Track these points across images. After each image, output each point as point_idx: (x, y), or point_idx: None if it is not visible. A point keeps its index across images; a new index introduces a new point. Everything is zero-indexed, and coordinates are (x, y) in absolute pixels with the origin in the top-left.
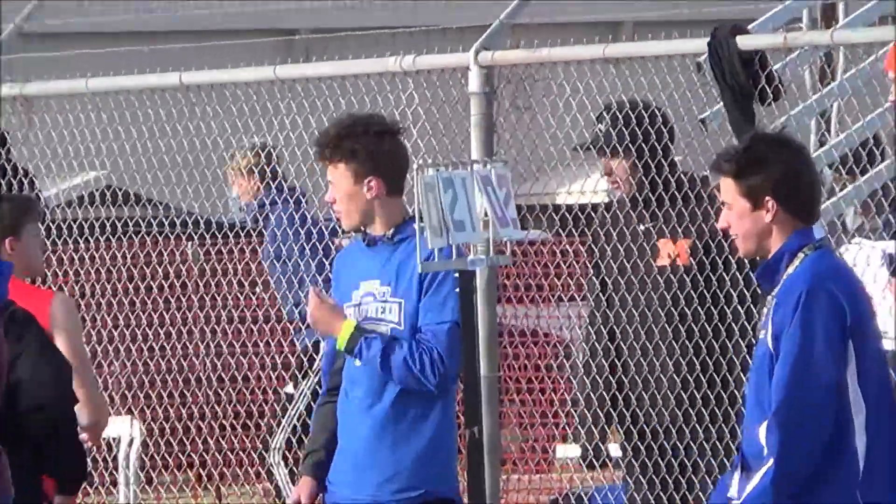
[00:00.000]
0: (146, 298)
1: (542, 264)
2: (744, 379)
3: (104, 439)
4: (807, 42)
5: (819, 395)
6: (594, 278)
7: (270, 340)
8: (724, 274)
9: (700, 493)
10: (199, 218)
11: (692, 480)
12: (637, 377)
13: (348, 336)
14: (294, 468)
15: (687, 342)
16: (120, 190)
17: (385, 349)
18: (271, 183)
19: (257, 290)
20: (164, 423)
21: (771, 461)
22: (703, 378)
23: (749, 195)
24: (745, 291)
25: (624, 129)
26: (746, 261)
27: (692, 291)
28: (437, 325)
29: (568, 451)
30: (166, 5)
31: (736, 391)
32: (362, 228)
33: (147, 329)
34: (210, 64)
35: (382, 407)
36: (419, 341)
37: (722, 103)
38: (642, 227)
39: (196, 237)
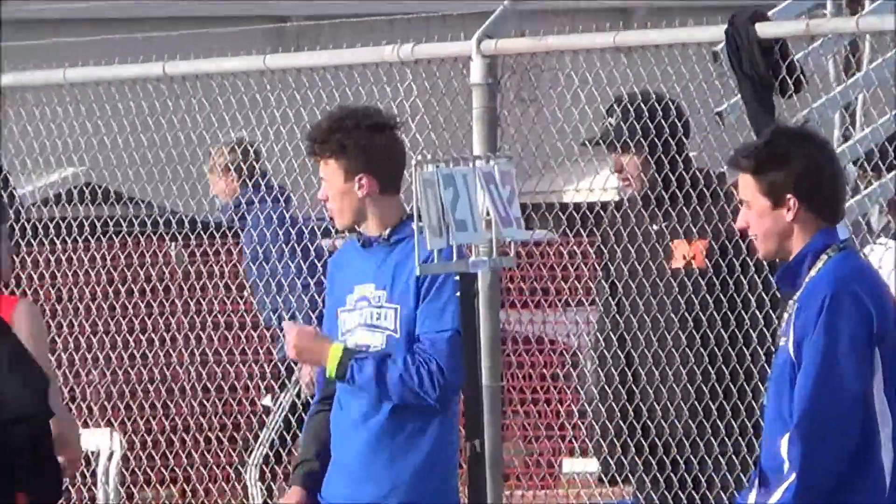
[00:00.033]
0: (127, 303)
1: (548, 266)
2: (762, 389)
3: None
4: (831, 30)
5: (844, 405)
6: (604, 281)
7: (259, 348)
8: (742, 277)
9: None
10: (183, 217)
11: (706, 497)
12: (648, 387)
13: (337, 362)
14: (272, 485)
15: (702, 350)
16: (99, 187)
17: (378, 369)
18: (248, 181)
19: (245, 293)
20: (145, 435)
21: (793, 476)
22: (718, 388)
23: (769, 193)
24: (764, 296)
25: (636, 122)
26: (766, 263)
27: (708, 295)
28: (436, 333)
29: (575, 465)
30: None
31: (754, 402)
32: (356, 228)
33: (128, 336)
34: (195, 53)
35: (379, 419)
36: (416, 352)
37: (740, 95)
38: (655, 228)
39: (180, 237)
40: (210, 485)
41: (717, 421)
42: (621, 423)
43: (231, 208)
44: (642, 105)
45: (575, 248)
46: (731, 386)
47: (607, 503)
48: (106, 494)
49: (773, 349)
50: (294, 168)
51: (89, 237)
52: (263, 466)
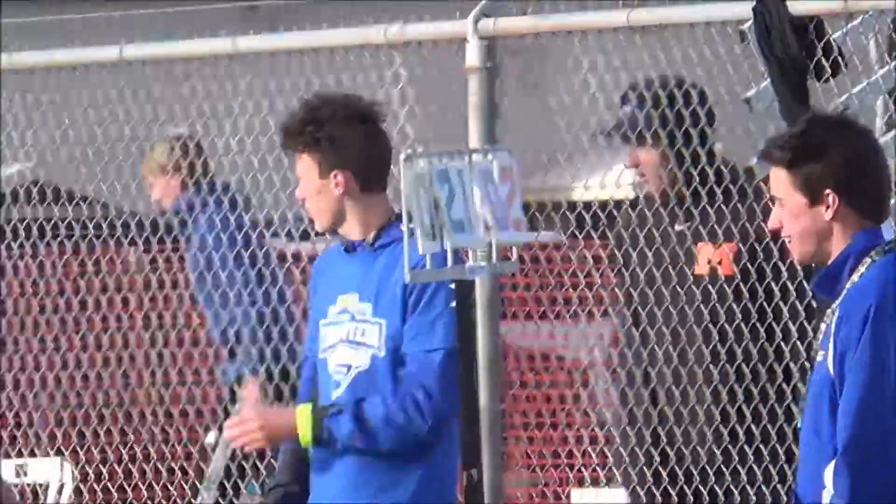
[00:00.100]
0: (80, 316)
1: (554, 273)
2: (795, 411)
3: (29, 485)
4: (871, 6)
5: None
6: (618, 290)
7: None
8: (773, 284)
9: None
10: (143, 219)
11: None
12: (668, 409)
13: (310, 427)
14: None
15: (728, 366)
16: (49, 186)
17: (358, 419)
18: (191, 180)
19: (214, 302)
20: (100, 465)
21: None
22: (746, 410)
23: (806, 188)
24: (799, 305)
25: (653, 111)
26: (800, 268)
27: (735, 305)
28: (424, 353)
29: (585, 496)
30: None
31: (786, 425)
32: (338, 231)
33: (81, 353)
34: (156, 35)
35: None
36: (400, 379)
37: (770, 80)
38: (676, 229)
39: (140, 242)
40: None
41: (745, 447)
42: (652, 449)
43: (182, 210)
44: (660, 91)
45: (585, 252)
46: (761, 407)
47: None
48: None
49: (809, 365)
50: (268, 164)
51: (37, 242)
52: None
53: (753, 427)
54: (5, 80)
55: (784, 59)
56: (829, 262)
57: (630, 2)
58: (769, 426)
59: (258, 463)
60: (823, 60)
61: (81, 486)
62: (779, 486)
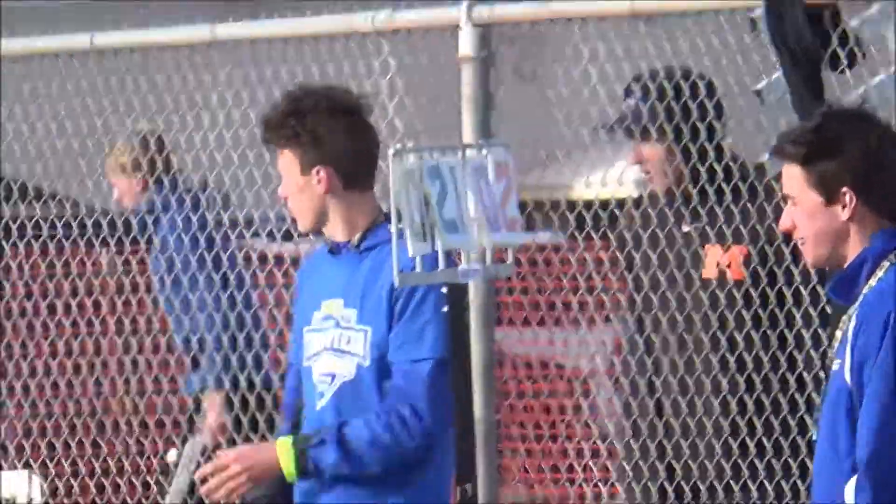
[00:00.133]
0: (49, 321)
1: (552, 276)
2: (808, 423)
3: None
4: None
5: None
6: (624, 294)
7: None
8: (785, 289)
9: None
10: (115, 218)
11: None
12: (674, 420)
13: (293, 460)
14: None
15: (737, 376)
16: (15, 182)
17: (342, 447)
18: (164, 177)
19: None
20: (71, 479)
21: None
22: (756, 422)
23: (821, 186)
24: (812, 311)
25: (658, 104)
26: (813, 272)
27: (744, 311)
28: (411, 364)
29: None
30: None
31: (799, 438)
32: (322, 231)
33: (50, 360)
34: (129, 22)
35: None
36: (386, 391)
37: (782, 71)
38: (684, 230)
39: (112, 242)
40: None
41: (756, 461)
42: (657, 463)
43: (142, 210)
44: (665, 83)
45: (586, 254)
46: (773, 419)
47: None
48: None
49: (824, 375)
50: (248, 159)
51: (2, 242)
52: None
53: (765, 440)
54: None
55: (797, 49)
56: (846, 266)
57: None
58: (781, 439)
59: None
60: (839, 50)
61: (51, 502)
62: None
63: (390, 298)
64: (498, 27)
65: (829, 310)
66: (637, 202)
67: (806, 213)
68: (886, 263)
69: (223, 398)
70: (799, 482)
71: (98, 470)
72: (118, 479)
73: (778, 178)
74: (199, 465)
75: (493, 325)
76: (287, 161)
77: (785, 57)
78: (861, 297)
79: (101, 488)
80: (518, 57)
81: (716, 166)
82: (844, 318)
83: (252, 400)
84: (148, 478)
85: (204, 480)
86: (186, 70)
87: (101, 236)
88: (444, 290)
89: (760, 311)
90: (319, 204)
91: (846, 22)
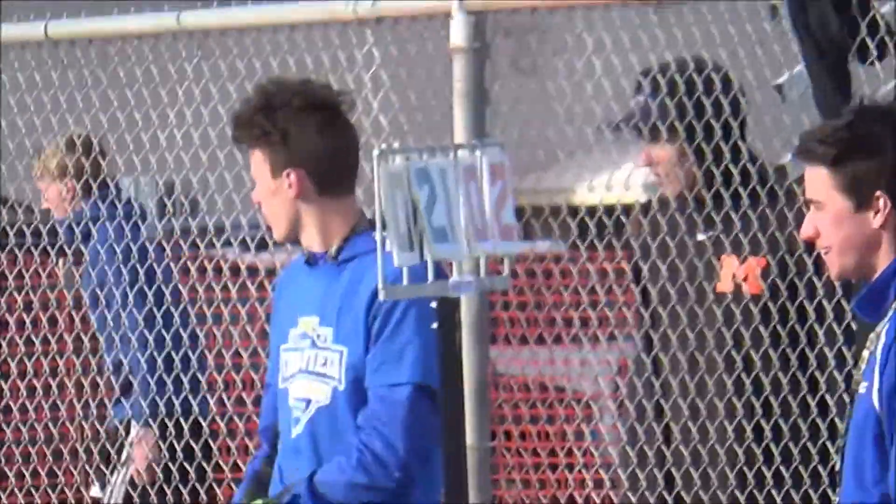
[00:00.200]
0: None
1: (552, 289)
2: (830, 450)
3: None
4: None
5: None
6: (630, 309)
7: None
8: (807, 303)
9: None
10: (73, 225)
11: None
12: (683, 448)
13: None
14: None
15: (753, 399)
16: None
17: (316, 496)
18: (92, 183)
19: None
20: None
21: None
22: (774, 449)
23: (852, 190)
24: (836, 328)
25: (668, 100)
26: (838, 285)
27: (762, 328)
28: (388, 388)
29: None
30: None
31: (821, 467)
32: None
33: (1, 383)
34: (89, 10)
35: None
36: (359, 427)
37: (805, 63)
38: (698, 238)
39: (70, 251)
40: None
41: (773, 492)
42: (665, 494)
43: (72, 221)
44: (677, 77)
45: (588, 264)
46: (792, 447)
47: None
48: None
49: (849, 398)
50: (219, 161)
51: None
52: None
53: (783, 469)
54: None
55: (821, 38)
56: (875, 279)
57: None
58: (801, 468)
59: None
60: (868, 40)
61: None
62: None
63: (367, 317)
64: (493, 15)
65: (854, 326)
66: (645, 208)
67: (832, 219)
68: None
69: (151, 435)
70: None
71: (55, 502)
72: None
73: (800, 181)
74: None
75: (488, 343)
76: (258, 162)
77: (808, 47)
78: (891, 313)
79: None
80: (515, 48)
81: (732, 168)
82: (872, 336)
83: (187, 424)
84: None
85: None
86: (150, 62)
87: (57, 245)
88: (434, 304)
89: (779, 327)
90: (292, 210)
91: (876, 8)
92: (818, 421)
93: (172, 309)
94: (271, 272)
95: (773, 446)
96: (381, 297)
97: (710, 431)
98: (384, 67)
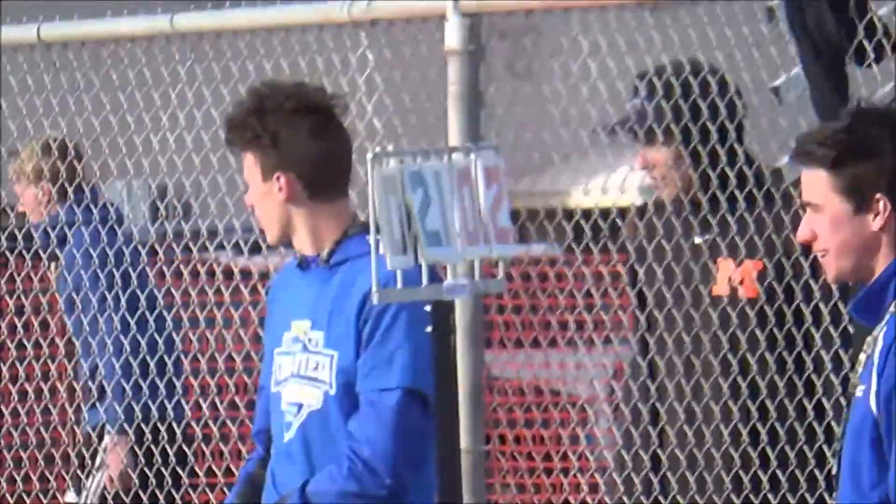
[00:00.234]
0: None
1: (547, 293)
2: (827, 454)
3: None
4: None
5: None
6: (626, 313)
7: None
8: (803, 306)
9: None
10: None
11: None
12: (679, 452)
13: None
14: None
15: (750, 403)
16: None
17: None
18: (67, 187)
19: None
20: None
21: None
22: (770, 453)
23: (851, 192)
24: (833, 331)
25: (664, 102)
26: (835, 288)
27: (758, 331)
28: (379, 392)
29: None
30: None
31: (817, 471)
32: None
33: None
34: (81, 13)
35: None
36: (350, 434)
37: (802, 65)
38: (695, 242)
39: (62, 256)
40: None
41: (770, 496)
42: (661, 499)
43: (63, 224)
44: (673, 79)
45: (584, 268)
46: (788, 451)
47: None
48: None
49: (846, 402)
50: (212, 164)
51: None
52: None
53: (779, 473)
54: None
55: (819, 40)
56: (872, 281)
57: None
58: (798, 472)
59: None
60: (866, 42)
61: None
62: None
63: (358, 321)
64: (488, 18)
65: (851, 330)
66: (641, 211)
67: (830, 222)
68: None
69: (126, 442)
70: None
71: None
72: None
73: (796, 184)
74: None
75: (482, 346)
76: (250, 165)
77: (806, 48)
78: (888, 316)
79: None
80: (510, 51)
81: (728, 171)
82: (869, 339)
83: (164, 432)
84: None
85: None
86: (143, 65)
87: (49, 249)
88: (428, 308)
89: (776, 330)
90: (283, 213)
91: (874, 10)
92: (815, 424)
93: (148, 314)
94: (265, 276)
95: (769, 450)
96: (374, 300)
97: (706, 435)
98: (378, 70)
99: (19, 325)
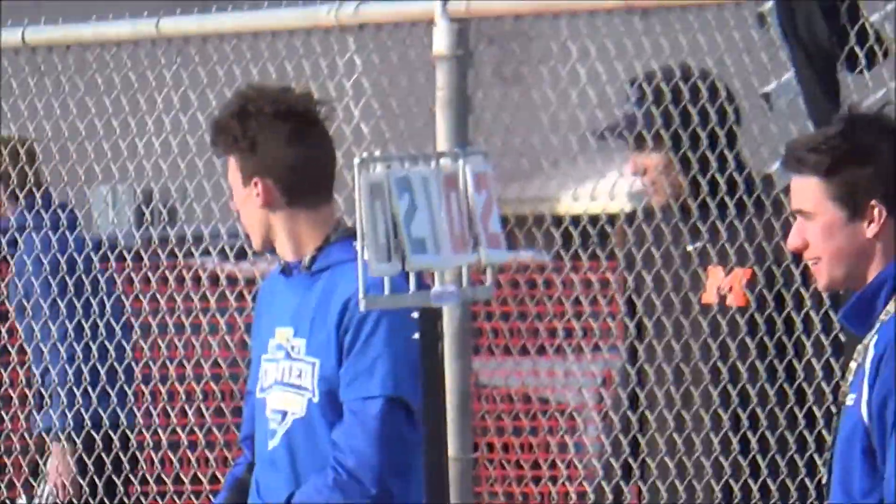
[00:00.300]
0: None
1: (536, 300)
2: (818, 462)
3: None
4: None
5: None
6: (615, 320)
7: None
8: (794, 314)
9: None
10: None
11: None
12: (668, 460)
13: None
14: None
15: (740, 411)
16: None
17: None
18: (18, 192)
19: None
20: None
21: None
22: (761, 462)
23: (846, 199)
24: (824, 339)
25: (654, 108)
26: (826, 296)
27: (748, 339)
28: (361, 402)
29: None
30: None
31: (808, 480)
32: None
33: None
34: (68, 16)
35: None
36: (334, 443)
37: (793, 71)
38: (688, 248)
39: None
40: None
41: None
42: None
43: (12, 228)
44: (663, 85)
45: (572, 274)
46: (779, 460)
47: None
48: None
49: (836, 410)
50: (197, 169)
51: None
52: None
53: (770, 483)
54: None
55: (811, 46)
56: (864, 289)
57: None
58: (788, 482)
59: None
60: (857, 48)
61: None
62: None
63: (339, 329)
64: (477, 22)
65: (842, 338)
66: (630, 218)
67: (823, 229)
68: None
69: (69, 448)
70: None
71: None
72: None
73: (787, 190)
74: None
75: (470, 353)
76: (232, 170)
77: (798, 52)
78: (878, 325)
79: None
80: (499, 56)
81: (718, 178)
82: (859, 347)
83: (117, 435)
84: None
85: None
86: (129, 68)
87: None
88: (415, 315)
89: (766, 339)
90: (262, 219)
91: (866, 17)
92: (805, 433)
93: (99, 321)
94: (251, 282)
95: (759, 459)
96: (361, 307)
97: (695, 443)
98: (366, 75)
99: (3, 330)
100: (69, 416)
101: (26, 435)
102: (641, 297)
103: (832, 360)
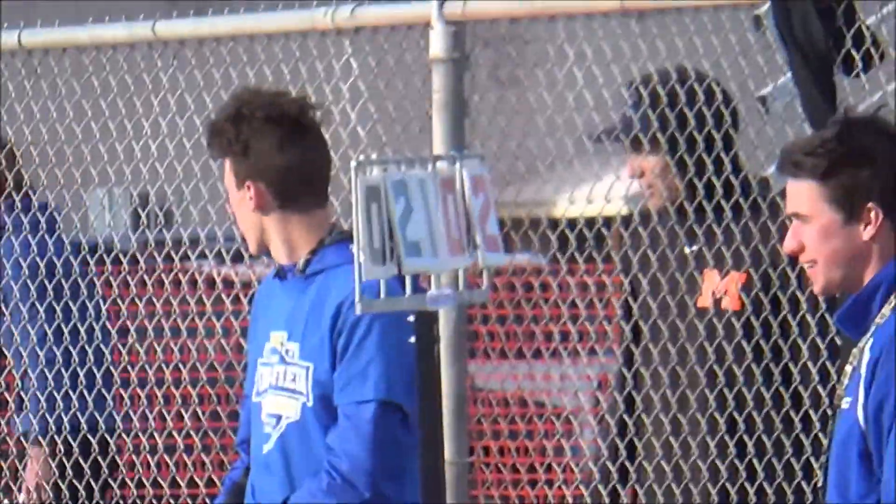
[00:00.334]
0: None
1: (532, 303)
2: (815, 466)
3: None
4: None
5: None
6: (611, 324)
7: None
8: (790, 318)
9: None
10: (46, 237)
11: None
12: (665, 464)
13: None
14: None
15: (736, 415)
16: None
17: None
18: (14, 195)
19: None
20: None
21: None
22: (757, 466)
23: (842, 202)
24: (820, 342)
25: (650, 111)
26: (822, 299)
27: (744, 343)
28: (356, 406)
29: None
30: None
31: (804, 483)
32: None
33: None
34: (62, 19)
35: None
36: (329, 448)
37: (790, 73)
38: (684, 252)
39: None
40: None
41: None
42: None
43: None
44: (659, 88)
45: (569, 278)
46: (775, 463)
47: None
48: None
49: (832, 414)
50: (194, 172)
51: None
52: None
53: (766, 486)
54: None
55: (807, 49)
56: (860, 291)
57: None
58: (784, 485)
59: None
60: (854, 51)
61: None
62: None
63: (332, 333)
64: (473, 25)
65: (838, 341)
66: (626, 220)
67: (819, 232)
68: None
69: (44, 452)
70: None
71: None
72: None
73: (783, 193)
74: None
75: (466, 357)
76: (227, 173)
77: (794, 55)
78: (874, 328)
79: None
80: (495, 59)
81: (714, 181)
82: (855, 351)
83: (96, 439)
84: None
85: None
86: (125, 72)
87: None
88: (411, 318)
89: (762, 342)
90: (256, 222)
91: (862, 20)
92: (801, 437)
93: (79, 324)
94: (247, 285)
95: (756, 462)
96: (357, 310)
97: (691, 447)
98: (362, 78)
99: None
100: (51, 419)
101: (9, 439)
102: (637, 301)
103: (828, 364)
